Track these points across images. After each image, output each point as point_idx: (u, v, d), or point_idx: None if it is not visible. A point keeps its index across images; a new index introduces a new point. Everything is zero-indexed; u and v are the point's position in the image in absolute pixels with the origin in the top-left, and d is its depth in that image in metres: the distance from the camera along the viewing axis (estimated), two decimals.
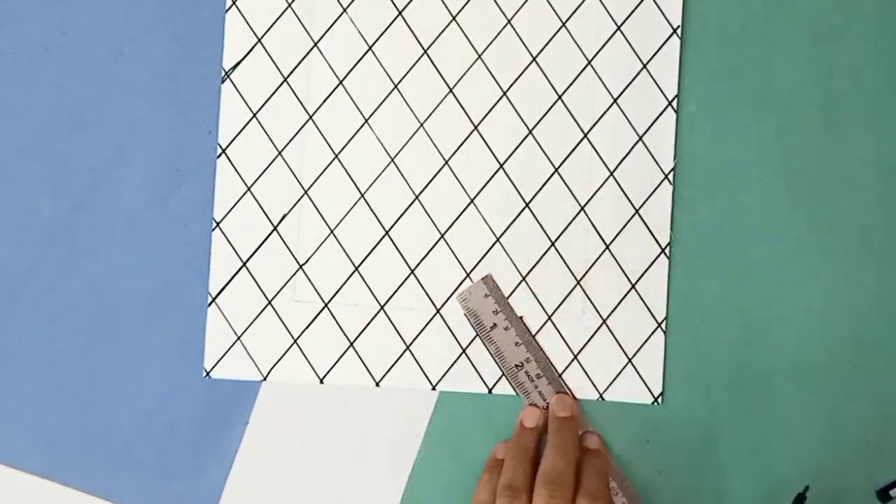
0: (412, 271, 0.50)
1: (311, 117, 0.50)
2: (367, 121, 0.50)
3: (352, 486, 0.49)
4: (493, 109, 0.50)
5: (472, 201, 0.50)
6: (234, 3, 0.50)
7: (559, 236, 0.49)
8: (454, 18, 0.50)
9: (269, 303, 0.49)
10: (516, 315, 0.49)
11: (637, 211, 0.50)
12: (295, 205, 0.50)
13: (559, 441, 0.47)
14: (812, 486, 0.48)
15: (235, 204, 0.49)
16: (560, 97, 0.50)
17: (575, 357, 0.49)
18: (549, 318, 0.49)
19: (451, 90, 0.50)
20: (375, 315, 0.50)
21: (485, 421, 0.49)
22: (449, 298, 0.49)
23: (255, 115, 0.50)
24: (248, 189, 0.49)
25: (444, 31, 0.50)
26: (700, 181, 0.50)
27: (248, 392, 0.49)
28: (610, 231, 0.50)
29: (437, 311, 0.49)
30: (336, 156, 0.50)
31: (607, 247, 0.50)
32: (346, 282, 0.50)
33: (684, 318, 0.50)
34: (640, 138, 0.50)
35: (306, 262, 0.49)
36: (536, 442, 0.48)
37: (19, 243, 0.49)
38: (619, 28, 0.50)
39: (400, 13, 0.50)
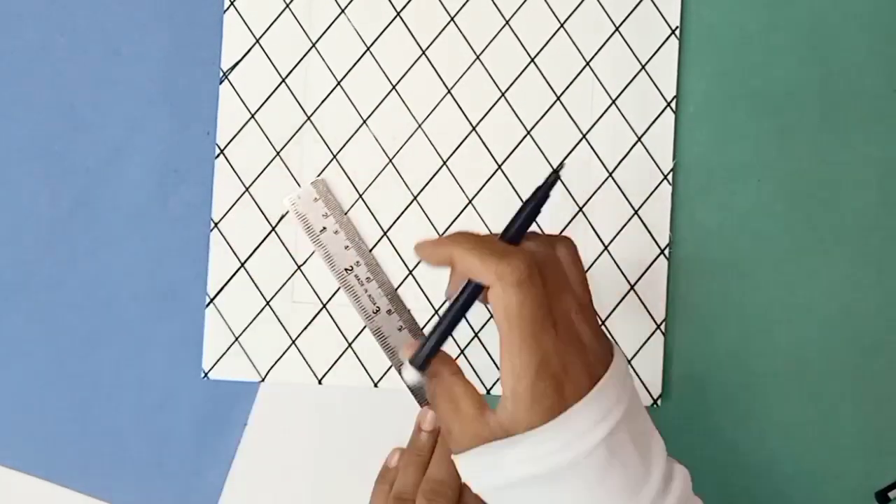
0: (410, 272, 0.49)
1: (309, 118, 0.50)
2: (365, 121, 0.50)
3: (350, 486, 0.49)
4: (491, 110, 0.50)
5: (470, 202, 0.50)
6: (232, 3, 0.50)
7: None
8: (452, 19, 0.50)
9: (268, 303, 0.49)
10: (347, 219, 0.49)
11: (636, 212, 0.50)
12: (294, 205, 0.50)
13: (442, 449, 0.43)
14: (811, 486, 0.48)
15: (234, 204, 0.49)
16: (559, 98, 0.50)
17: None
18: None
19: (449, 91, 0.50)
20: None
21: None
22: (447, 299, 0.49)
23: (253, 116, 0.49)
24: (247, 189, 0.49)
25: (442, 31, 0.50)
26: (699, 182, 0.50)
27: (247, 393, 0.49)
28: (609, 232, 0.50)
29: (436, 311, 0.49)
30: (334, 156, 0.50)
31: (606, 248, 0.50)
32: None
33: (684, 320, 0.50)
34: (639, 139, 0.50)
35: (304, 262, 0.49)
36: (433, 445, 0.44)
37: (17, 243, 0.49)
38: (617, 29, 0.50)
39: (398, 14, 0.50)
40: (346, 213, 0.49)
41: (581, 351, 0.35)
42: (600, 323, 0.46)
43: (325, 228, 0.49)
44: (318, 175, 0.50)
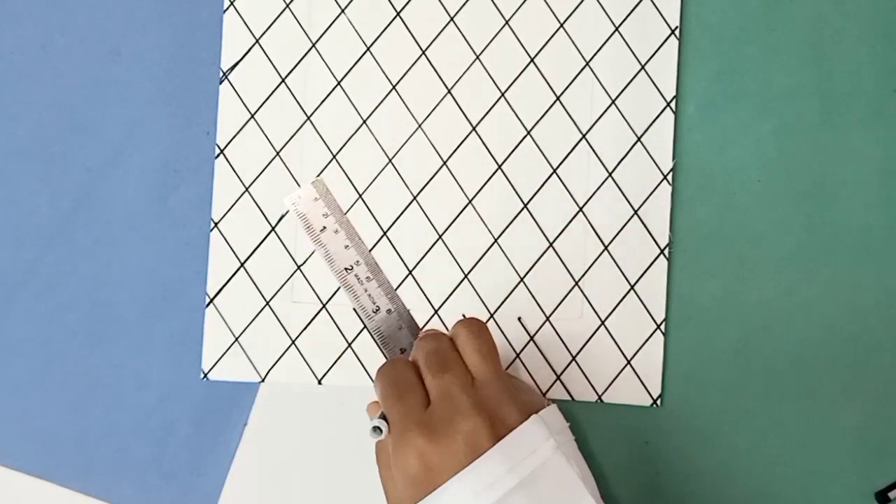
0: (410, 272, 0.49)
1: (308, 118, 0.50)
2: (364, 122, 0.50)
3: (350, 486, 0.49)
4: (491, 110, 0.50)
5: (470, 202, 0.50)
6: (231, 3, 0.50)
7: (557, 237, 0.49)
8: (452, 19, 0.50)
9: (267, 303, 0.49)
10: (346, 219, 0.49)
11: (636, 212, 0.49)
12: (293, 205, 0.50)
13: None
14: (811, 487, 0.48)
15: (233, 204, 0.49)
16: (558, 98, 0.50)
17: (573, 359, 0.49)
18: (548, 319, 0.49)
19: (449, 91, 0.50)
20: None
21: None
22: (447, 300, 0.49)
23: (253, 116, 0.50)
24: (247, 189, 0.49)
25: (442, 31, 0.50)
26: (699, 182, 0.50)
27: (246, 393, 0.49)
28: (608, 232, 0.50)
29: (436, 311, 0.49)
30: (334, 156, 0.50)
31: (606, 248, 0.49)
32: None
33: (683, 320, 0.50)
34: (639, 139, 0.50)
35: (304, 262, 0.49)
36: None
37: (17, 243, 0.49)
38: (617, 29, 0.50)
39: (398, 14, 0.50)
40: (345, 214, 0.49)
41: (464, 419, 0.39)
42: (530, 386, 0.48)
43: (325, 228, 0.49)
44: (318, 175, 0.50)
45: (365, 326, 0.49)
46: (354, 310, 0.49)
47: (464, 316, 0.49)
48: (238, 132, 0.49)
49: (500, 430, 0.39)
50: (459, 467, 0.38)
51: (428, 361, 0.42)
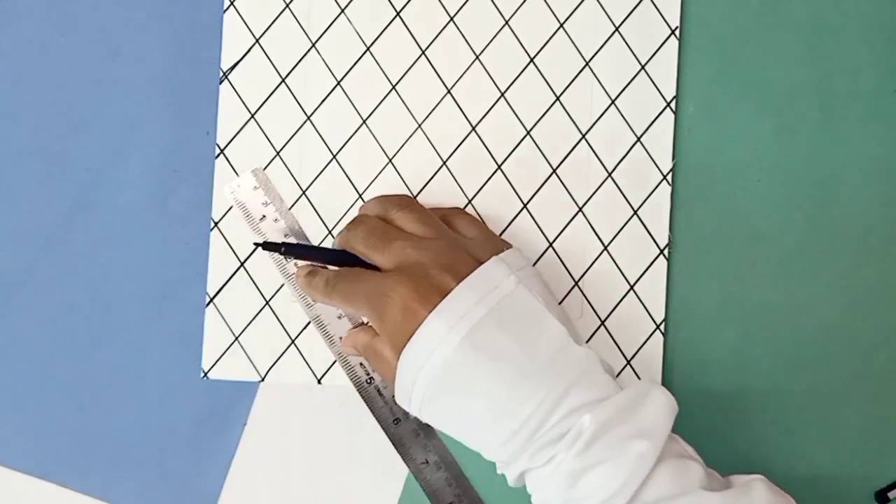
0: None
1: (308, 118, 0.50)
2: (364, 121, 0.50)
3: (349, 486, 0.49)
4: (491, 110, 0.50)
5: (469, 202, 0.50)
6: (231, 3, 0.50)
7: (557, 237, 0.49)
8: (452, 19, 0.50)
9: (267, 303, 0.49)
10: (286, 207, 0.49)
11: (635, 212, 0.49)
12: (293, 205, 0.50)
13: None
14: (811, 487, 0.48)
15: (233, 204, 0.49)
16: (558, 98, 0.50)
17: None
18: None
19: (448, 91, 0.50)
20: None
21: None
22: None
23: (252, 116, 0.50)
24: None
25: (441, 31, 0.50)
26: (698, 182, 0.50)
27: (246, 393, 0.49)
28: (608, 232, 0.50)
29: None
30: (334, 156, 0.50)
31: (605, 248, 0.49)
32: None
33: (683, 320, 0.50)
34: (639, 139, 0.50)
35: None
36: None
37: (17, 244, 0.49)
38: (617, 29, 0.50)
39: (398, 14, 0.50)
40: (290, 208, 0.49)
41: (430, 268, 0.42)
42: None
43: (264, 217, 0.49)
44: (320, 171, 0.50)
45: (310, 321, 0.49)
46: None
47: None
48: (238, 132, 0.49)
49: (463, 273, 0.41)
50: (433, 307, 0.40)
51: (369, 241, 0.44)
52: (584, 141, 0.50)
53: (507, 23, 0.50)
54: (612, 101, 0.50)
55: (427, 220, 0.45)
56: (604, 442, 0.38)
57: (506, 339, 0.39)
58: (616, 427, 0.38)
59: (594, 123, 0.50)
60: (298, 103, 0.50)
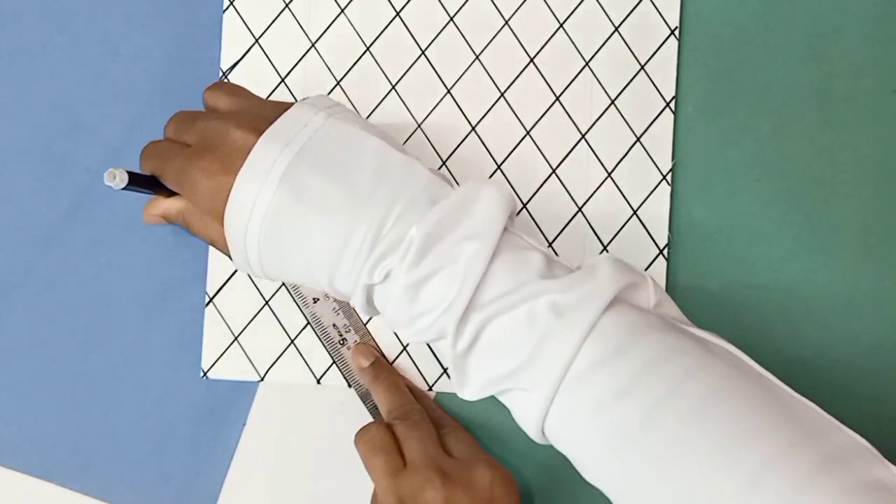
0: None
1: None
2: None
3: (349, 486, 0.49)
4: (490, 110, 0.50)
5: None
6: (231, 3, 0.50)
7: (557, 237, 0.49)
8: (452, 19, 0.50)
9: (267, 303, 0.49)
10: None
11: (635, 212, 0.49)
12: None
13: (388, 379, 0.48)
14: None
15: None
16: (558, 98, 0.50)
17: None
18: None
19: (448, 91, 0.50)
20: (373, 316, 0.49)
21: (483, 420, 0.49)
22: None
23: None
24: None
25: (441, 31, 0.50)
26: (698, 182, 0.50)
27: (246, 392, 0.49)
28: (608, 232, 0.49)
29: None
30: None
31: (605, 248, 0.49)
32: None
33: None
34: (638, 139, 0.50)
35: None
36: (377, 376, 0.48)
37: (16, 244, 0.49)
38: (616, 29, 0.50)
39: (398, 14, 0.50)
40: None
41: (231, 131, 0.40)
42: None
43: None
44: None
45: (303, 314, 0.49)
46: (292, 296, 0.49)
47: None
48: None
49: (266, 129, 0.39)
50: (238, 170, 0.39)
51: (178, 128, 0.43)
52: (583, 141, 0.50)
53: (506, 23, 0.50)
54: (612, 101, 0.50)
55: (237, 92, 0.44)
56: (435, 251, 0.37)
57: (324, 167, 0.38)
58: (447, 233, 0.37)
59: (594, 123, 0.50)
60: None
